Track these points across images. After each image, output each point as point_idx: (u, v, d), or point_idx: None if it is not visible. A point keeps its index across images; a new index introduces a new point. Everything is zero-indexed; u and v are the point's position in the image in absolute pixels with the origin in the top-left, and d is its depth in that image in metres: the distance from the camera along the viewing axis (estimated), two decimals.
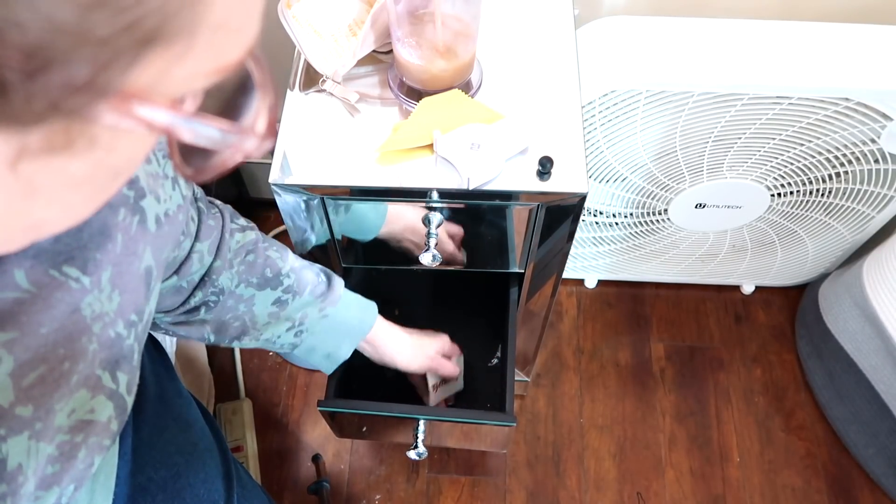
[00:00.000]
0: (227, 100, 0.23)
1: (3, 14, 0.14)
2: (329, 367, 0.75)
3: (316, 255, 0.79)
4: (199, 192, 0.61)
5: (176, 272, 0.57)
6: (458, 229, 0.75)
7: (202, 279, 0.60)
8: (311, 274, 0.68)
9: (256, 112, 0.23)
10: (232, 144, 0.22)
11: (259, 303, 0.64)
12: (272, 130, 0.23)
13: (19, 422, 0.34)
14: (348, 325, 0.72)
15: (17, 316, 0.34)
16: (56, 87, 0.16)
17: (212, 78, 0.21)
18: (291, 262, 0.67)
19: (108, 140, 0.20)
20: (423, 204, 0.68)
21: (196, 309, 0.62)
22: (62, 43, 0.15)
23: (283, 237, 1.29)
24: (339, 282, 0.71)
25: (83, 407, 0.39)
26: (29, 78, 0.15)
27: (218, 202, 0.64)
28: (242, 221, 0.65)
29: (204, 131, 0.20)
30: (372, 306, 0.75)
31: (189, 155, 0.24)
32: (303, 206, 0.70)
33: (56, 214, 0.22)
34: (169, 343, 1.10)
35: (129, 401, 0.44)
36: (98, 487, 0.51)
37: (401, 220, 0.73)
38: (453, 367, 0.84)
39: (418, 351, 0.79)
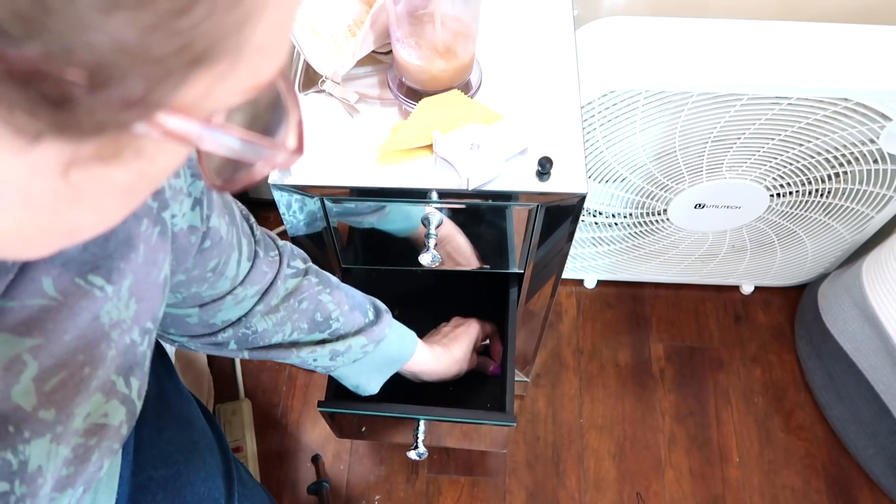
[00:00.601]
0: (256, 115, 0.25)
1: (76, 35, 0.15)
2: (356, 392, 0.75)
3: (315, 255, 0.79)
4: (260, 232, 0.59)
5: (200, 306, 0.56)
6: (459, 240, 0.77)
7: (238, 319, 0.59)
8: (359, 315, 0.67)
9: (286, 127, 0.25)
10: (263, 157, 0.23)
11: (305, 339, 0.65)
12: (302, 145, 0.24)
13: (42, 425, 0.35)
14: (384, 360, 0.72)
15: (43, 323, 0.34)
16: (113, 102, 0.17)
17: (247, 95, 0.22)
18: (342, 304, 0.65)
19: (153, 151, 0.21)
20: (423, 204, 0.68)
21: (224, 343, 0.61)
22: (123, 61, 0.17)
23: (282, 237, 1.29)
24: (385, 320, 0.70)
25: (98, 411, 0.40)
26: (91, 93, 0.17)
27: (279, 243, 0.63)
28: (299, 264, 0.63)
29: (238, 146, 0.22)
30: (412, 340, 0.74)
31: (219, 166, 0.25)
32: (302, 206, 0.70)
33: (91, 221, 0.23)
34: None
35: (139, 406, 0.45)
36: (101, 487, 0.51)
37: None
38: (484, 363, 0.88)
39: (453, 364, 0.80)
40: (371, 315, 0.69)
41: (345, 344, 0.66)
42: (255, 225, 0.59)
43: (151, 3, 0.16)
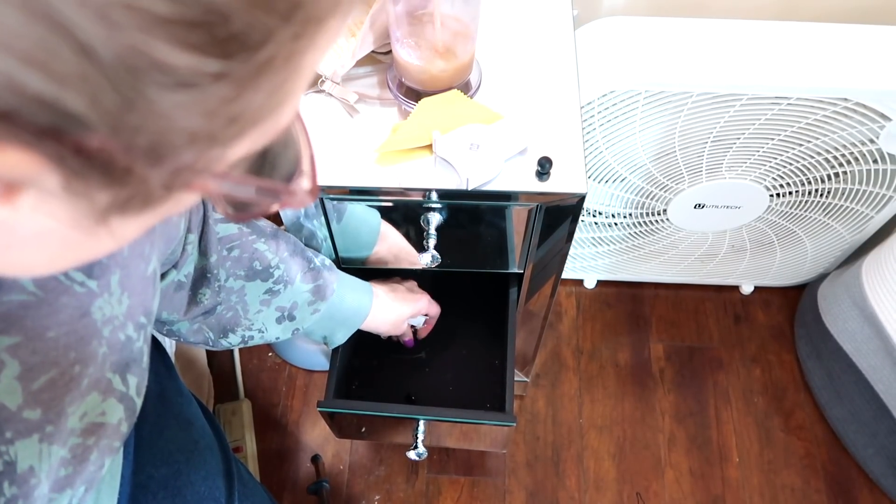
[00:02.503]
0: (272, 153, 0.26)
1: (146, 123, 0.17)
2: (329, 345, 0.77)
3: None
4: None
5: (175, 266, 0.56)
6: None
7: (205, 276, 0.60)
8: (301, 261, 0.68)
9: (300, 169, 0.26)
10: (279, 200, 0.25)
11: (250, 292, 0.64)
12: (316, 188, 0.26)
13: (27, 425, 0.35)
14: (343, 316, 0.73)
15: (21, 320, 0.34)
16: (166, 173, 0.19)
17: (269, 140, 0.23)
18: (280, 251, 0.66)
19: (181, 199, 0.23)
20: (422, 205, 0.68)
21: (212, 310, 0.62)
22: (180, 140, 0.19)
23: None
24: (331, 276, 0.70)
25: (94, 410, 0.39)
26: (148, 166, 0.19)
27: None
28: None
29: (257, 194, 0.23)
30: (367, 292, 0.75)
31: (234, 202, 0.27)
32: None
33: (111, 248, 0.25)
34: (168, 343, 1.10)
35: (139, 403, 0.44)
36: (104, 487, 0.51)
37: (385, 241, 0.75)
38: (409, 337, 0.88)
39: (394, 326, 0.80)
40: (315, 266, 0.69)
41: (289, 298, 0.66)
42: None
43: (209, 94, 0.18)
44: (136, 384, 0.43)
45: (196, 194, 0.23)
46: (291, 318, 0.68)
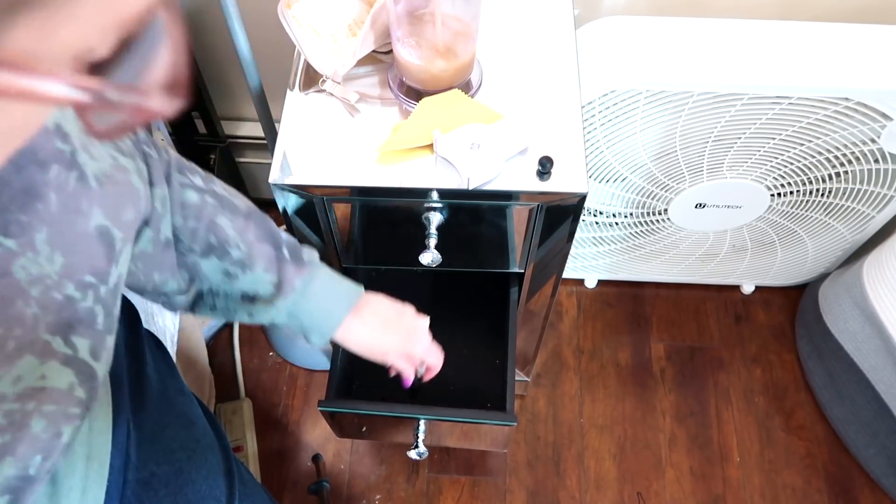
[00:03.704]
0: (138, 52, 0.22)
1: None
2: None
3: None
4: (143, 136, 0.52)
5: (146, 223, 0.50)
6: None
7: (176, 236, 0.53)
8: (269, 248, 0.58)
9: (159, 67, 0.22)
10: (134, 105, 0.21)
11: (207, 270, 0.56)
12: (178, 88, 0.22)
13: None
14: (309, 320, 0.61)
15: None
16: None
17: (109, 33, 0.20)
18: (246, 232, 0.56)
19: (17, 110, 0.20)
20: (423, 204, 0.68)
21: (196, 272, 0.55)
22: None
23: None
24: (295, 273, 0.59)
25: (31, 373, 0.37)
26: None
27: (166, 152, 0.54)
28: (198, 181, 0.55)
29: (92, 97, 0.20)
30: (344, 302, 0.62)
31: (96, 114, 0.23)
32: (302, 206, 0.70)
33: None
34: (170, 343, 1.10)
35: (99, 367, 0.41)
36: (92, 475, 0.51)
37: None
38: (407, 376, 0.71)
39: (375, 350, 0.66)
40: (285, 251, 0.58)
41: (250, 283, 0.56)
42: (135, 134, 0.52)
43: None
44: (88, 347, 0.40)
45: (29, 99, 0.19)
46: (253, 301, 0.58)
